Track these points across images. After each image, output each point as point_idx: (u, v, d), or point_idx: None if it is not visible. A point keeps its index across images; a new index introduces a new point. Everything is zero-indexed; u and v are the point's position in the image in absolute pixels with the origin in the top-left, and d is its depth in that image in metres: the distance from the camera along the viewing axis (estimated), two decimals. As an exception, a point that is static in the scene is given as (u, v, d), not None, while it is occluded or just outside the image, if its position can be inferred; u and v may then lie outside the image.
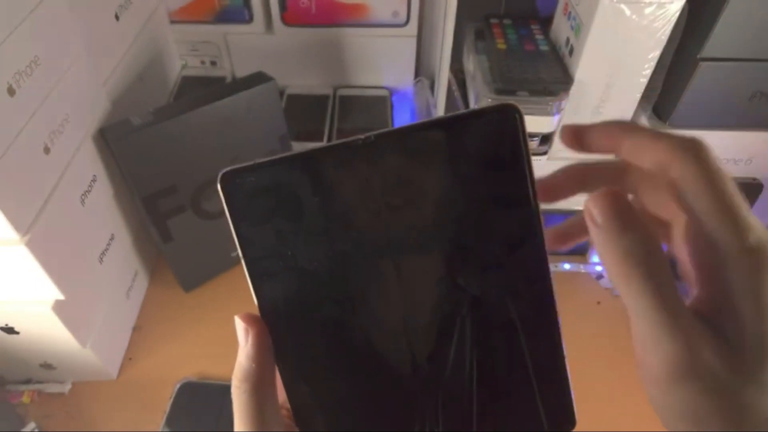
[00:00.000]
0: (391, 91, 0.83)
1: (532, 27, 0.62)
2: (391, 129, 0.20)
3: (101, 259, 0.54)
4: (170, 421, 0.54)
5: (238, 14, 0.75)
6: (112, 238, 0.56)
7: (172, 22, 0.76)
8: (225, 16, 0.76)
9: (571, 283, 0.67)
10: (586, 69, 0.52)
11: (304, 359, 0.22)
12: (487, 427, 0.23)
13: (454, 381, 0.22)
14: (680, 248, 0.21)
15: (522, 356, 0.22)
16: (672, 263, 0.20)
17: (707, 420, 0.17)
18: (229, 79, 0.81)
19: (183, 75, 0.80)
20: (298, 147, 0.55)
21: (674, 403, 0.17)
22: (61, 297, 0.47)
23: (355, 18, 0.75)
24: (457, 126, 0.20)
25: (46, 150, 0.45)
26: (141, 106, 0.62)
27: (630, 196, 0.22)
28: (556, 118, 0.54)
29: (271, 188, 0.21)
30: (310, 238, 0.21)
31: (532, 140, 0.56)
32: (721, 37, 0.49)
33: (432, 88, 0.80)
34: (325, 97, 0.81)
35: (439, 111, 0.71)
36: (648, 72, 0.52)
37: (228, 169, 0.21)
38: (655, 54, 0.51)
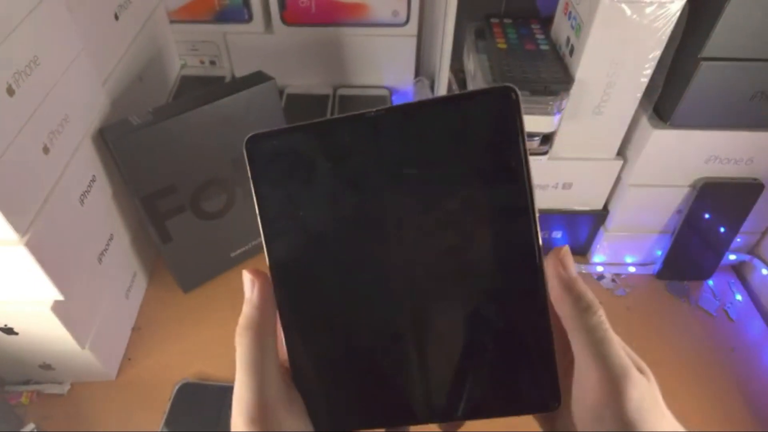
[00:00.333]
0: (391, 91, 0.83)
1: (533, 26, 0.61)
2: (399, 104, 0.22)
3: (100, 259, 0.54)
4: (169, 421, 0.53)
5: (238, 14, 0.75)
6: (111, 239, 0.56)
7: (172, 21, 0.75)
8: (224, 16, 0.75)
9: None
10: (586, 68, 0.52)
11: (305, 311, 0.24)
12: (472, 398, 0.24)
13: (444, 346, 0.24)
14: None
15: (508, 329, 0.23)
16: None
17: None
18: (228, 79, 0.81)
19: (182, 74, 0.80)
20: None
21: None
22: (60, 297, 0.47)
23: (355, 17, 0.75)
24: (458, 104, 0.22)
25: (45, 150, 0.45)
26: (140, 105, 0.62)
27: None
28: (557, 117, 0.54)
29: (289, 152, 0.23)
30: (319, 200, 0.23)
31: (533, 140, 0.56)
32: (722, 37, 0.49)
33: (432, 87, 0.80)
34: (324, 97, 0.81)
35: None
36: (649, 72, 0.52)
37: (253, 133, 0.23)
38: (656, 54, 0.50)
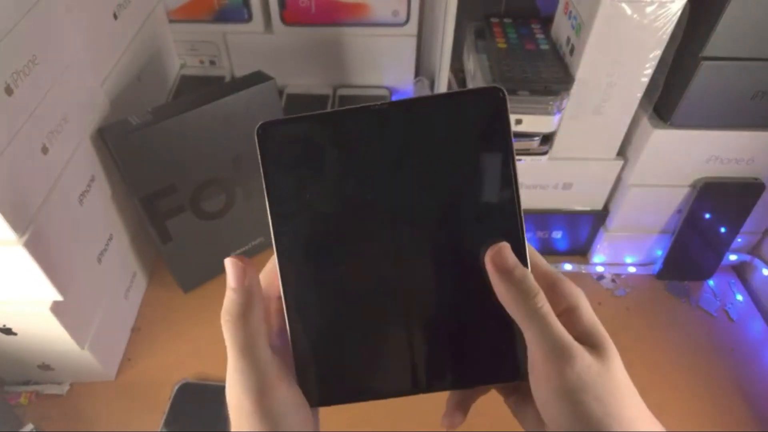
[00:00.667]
0: (391, 91, 0.82)
1: (533, 26, 0.61)
2: (400, 99, 0.25)
3: (100, 259, 0.54)
4: (169, 422, 0.53)
5: (237, 13, 0.75)
6: (110, 239, 0.56)
7: (171, 21, 0.75)
8: (224, 16, 0.75)
9: (571, 283, 0.67)
10: (586, 68, 0.52)
11: (308, 290, 0.26)
12: (451, 370, 0.26)
13: (430, 322, 0.26)
14: None
15: (486, 309, 0.25)
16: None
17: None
18: (228, 79, 0.80)
19: (182, 74, 0.80)
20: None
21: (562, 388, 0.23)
22: (59, 298, 0.46)
23: (355, 17, 0.75)
24: (453, 100, 0.26)
25: (44, 150, 0.45)
26: (139, 105, 0.62)
27: None
28: (557, 117, 0.54)
29: (298, 140, 0.25)
30: (324, 184, 0.25)
31: (533, 140, 0.56)
32: (723, 37, 0.49)
33: (432, 87, 0.80)
34: (324, 97, 0.81)
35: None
36: (649, 71, 0.52)
37: (264, 121, 0.25)
38: (657, 53, 0.50)
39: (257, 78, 0.58)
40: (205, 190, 0.59)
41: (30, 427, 0.52)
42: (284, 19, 0.75)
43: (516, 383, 0.26)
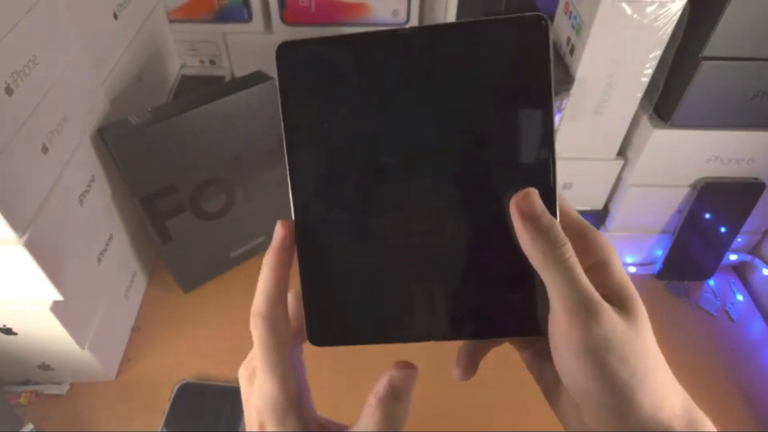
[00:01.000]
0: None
1: (533, 26, 0.61)
2: (431, 24, 0.23)
3: (100, 259, 0.54)
4: (169, 422, 0.53)
5: (237, 13, 0.75)
6: (110, 239, 0.56)
7: (171, 21, 0.75)
8: (224, 15, 0.75)
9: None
10: (587, 68, 0.52)
11: (321, 223, 0.25)
12: (474, 319, 0.25)
13: (450, 267, 0.25)
14: None
15: (510, 255, 0.24)
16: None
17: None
18: (228, 79, 0.80)
19: (182, 74, 0.80)
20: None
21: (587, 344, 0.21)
22: (59, 298, 0.46)
23: (355, 17, 0.75)
24: (490, 27, 0.23)
25: (44, 150, 0.45)
26: (139, 105, 0.62)
27: None
28: (557, 117, 0.54)
29: (320, 62, 0.24)
30: (346, 112, 0.24)
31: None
32: (723, 36, 0.49)
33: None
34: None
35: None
36: (649, 71, 0.52)
37: (284, 41, 0.24)
38: (657, 53, 0.50)
39: (257, 78, 0.58)
40: (205, 190, 0.59)
41: (30, 427, 0.52)
42: (284, 19, 0.75)
43: (533, 337, 0.25)
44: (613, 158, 0.61)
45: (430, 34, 0.23)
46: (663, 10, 0.47)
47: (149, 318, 0.63)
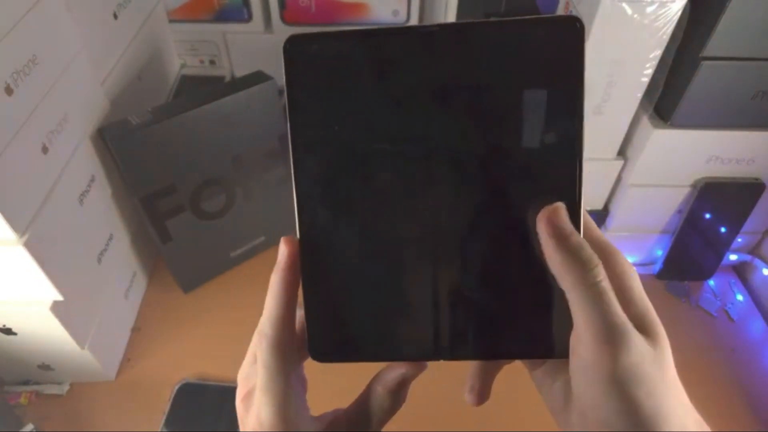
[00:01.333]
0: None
1: (533, 26, 0.61)
2: (458, 21, 0.22)
3: (100, 259, 0.54)
4: (169, 422, 0.53)
5: (237, 13, 0.75)
6: (110, 239, 0.56)
7: (171, 21, 0.75)
8: (224, 15, 0.75)
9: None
10: (587, 68, 0.52)
11: (326, 227, 0.23)
12: (486, 340, 0.24)
13: (465, 283, 0.23)
14: None
15: (526, 271, 0.23)
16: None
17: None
18: (228, 79, 0.80)
19: (182, 74, 0.80)
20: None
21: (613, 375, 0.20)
22: (59, 298, 0.46)
23: (355, 17, 0.75)
24: (520, 28, 0.21)
25: (44, 150, 0.45)
26: (140, 105, 0.62)
27: None
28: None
29: (332, 59, 0.22)
30: (358, 114, 0.22)
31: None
32: (723, 36, 0.48)
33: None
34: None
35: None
36: (649, 71, 0.52)
37: (293, 34, 0.22)
38: (657, 53, 0.50)
39: (257, 78, 0.58)
40: (205, 190, 0.59)
41: (30, 427, 0.52)
42: (284, 19, 0.75)
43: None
44: (613, 158, 0.61)
45: (456, 32, 0.21)
46: (663, 10, 0.47)
47: (149, 318, 0.63)
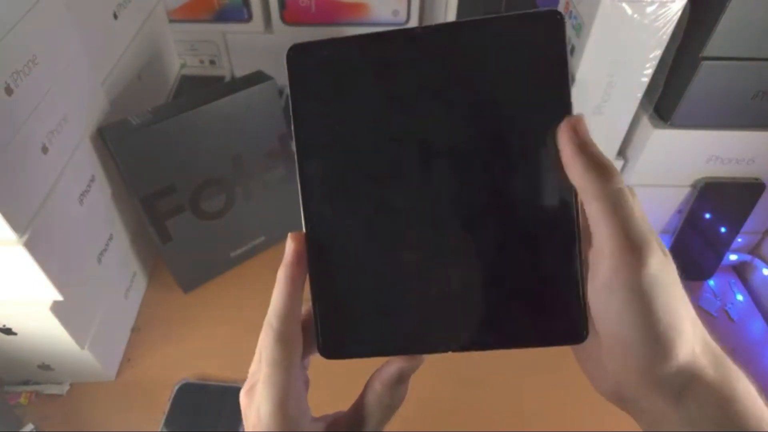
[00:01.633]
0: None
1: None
2: (445, 22, 0.23)
3: (100, 259, 0.54)
4: (169, 422, 0.53)
5: (237, 13, 0.75)
6: (110, 239, 0.56)
7: (171, 20, 0.75)
8: (224, 15, 0.75)
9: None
10: (587, 68, 0.52)
11: (334, 227, 0.24)
12: (500, 329, 0.24)
13: (474, 272, 0.23)
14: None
15: (538, 259, 0.23)
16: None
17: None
18: (228, 78, 0.80)
19: (182, 74, 0.80)
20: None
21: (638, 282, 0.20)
22: (59, 298, 0.46)
23: (355, 17, 0.75)
24: (506, 24, 0.23)
25: (44, 150, 0.45)
26: (140, 105, 0.62)
27: None
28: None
29: (332, 64, 0.23)
30: (359, 114, 0.23)
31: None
32: (723, 36, 0.49)
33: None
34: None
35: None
36: (649, 71, 0.52)
37: (295, 43, 0.23)
38: (657, 53, 0.50)
39: (257, 78, 0.57)
40: (205, 190, 0.59)
41: (30, 427, 0.52)
42: (284, 19, 0.75)
43: None
44: (613, 158, 0.61)
45: (444, 33, 0.23)
46: (663, 10, 0.47)
47: (149, 318, 0.63)
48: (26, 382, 0.56)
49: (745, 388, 0.22)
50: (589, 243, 0.22)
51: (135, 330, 0.62)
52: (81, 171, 0.51)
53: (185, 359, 0.58)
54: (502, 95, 0.23)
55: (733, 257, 0.69)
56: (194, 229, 0.60)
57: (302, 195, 0.23)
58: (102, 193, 0.55)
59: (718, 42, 0.49)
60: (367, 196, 0.23)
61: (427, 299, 0.24)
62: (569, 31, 0.55)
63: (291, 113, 0.23)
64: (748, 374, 0.23)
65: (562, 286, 0.23)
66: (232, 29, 0.76)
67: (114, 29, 0.59)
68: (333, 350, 0.24)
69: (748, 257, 0.68)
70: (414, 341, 0.24)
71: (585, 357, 0.24)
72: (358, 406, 0.25)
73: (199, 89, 0.66)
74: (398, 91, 0.23)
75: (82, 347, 0.51)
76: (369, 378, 0.25)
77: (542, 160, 0.23)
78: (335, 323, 0.24)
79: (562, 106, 0.22)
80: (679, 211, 0.63)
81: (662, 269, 0.20)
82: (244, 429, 0.25)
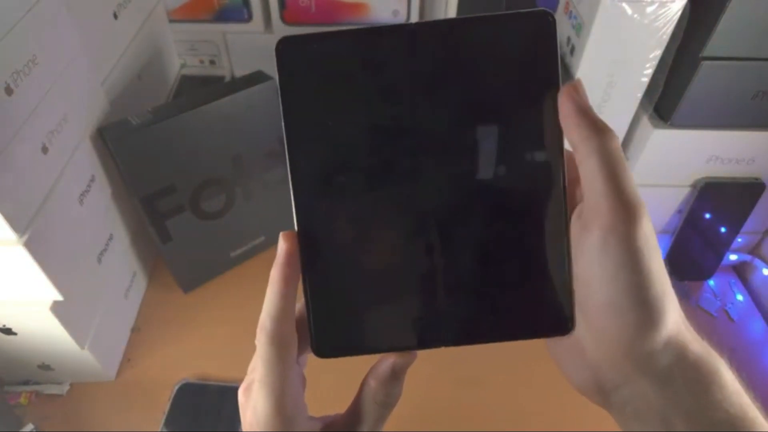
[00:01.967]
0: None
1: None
2: (437, 20, 0.23)
3: (100, 259, 0.54)
4: (169, 422, 0.53)
5: (238, 13, 0.75)
6: (110, 239, 0.56)
7: (171, 20, 0.75)
8: (224, 15, 0.75)
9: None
10: (587, 68, 0.52)
11: (325, 224, 0.24)
12: (490, 322, 0.24)
13: (462, 267, 0.24)
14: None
15: (526, 251, 0.24)
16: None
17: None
18: (228, 78, 0.80)
19: (182, 74, 0.80)
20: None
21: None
22: (59, 298, 0.46)
23: (355, 17, 0.75)
24: (497, 22, 0.23)
25: (44, 150, 0.45)
26: (140, 105, 0.62)
27: None
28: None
29: (322, 58, 0.23)
30: (349, 110, 0.23)
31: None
32: (723, 36, 0.48)
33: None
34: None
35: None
36: (649, 71, 0.52)
37: (285, 36, 0.23)
38: (657, 53, 0.50)
39: (257, 78, 0.58)
40: (205, 190, 0.59)
41: (30, 427, 0.52)
42: (284, 19, 0.75)
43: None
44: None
45: (436, 29, 0.23)
46: (663, 10, 0.47)
47: (149, 318, 0.63)
48: (26, 382, 0.56)
49: (724, 365, 0.22)
50: (574, 205, 0.22)
51: (135, 330, 0.62)
52: (81, 171, 0.51)
53: (185, 359, 0.58)
54: (493, 92, 0.23)
55: (733, 257, 0.69)
56: (194, 229, 0.60)
57: (293, 191, 0.23)
58: (102, 193, 0.55)
59: (718, 42, 0.49)
60: (357, 192, 0.23)
61: (418, 295, 0.24)
62: (569, 31, 0.55)
63: (280, 106, 0.23)
64: (735, 369, 0.23)
65: (550, 279, 0.23)
66: (232, 29, 0.77)
67: (114, 29, 0.59)
68: (326, 349, 0.24)
69: (748, 257, 0.68)
70: (405, 337, 0.24)
71: (560, 347, 0.24)
72: (355, 406, 0.25)
73: (199, 89, 0.66)
74: (389, 87, 0.23)
75: (82, 347, 0.51)
76: (364, 377, 0.25)
77: (530, 156, 0.23)
78: (328, 322, 0.24)
79: (553, 104, 0.22)
80: (679, 211, 0.63)
81: (652, 233, 0.21)
82: (241, 424, 0.25)
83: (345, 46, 0.23)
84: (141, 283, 0.65)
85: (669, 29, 0.49)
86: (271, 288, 0.23)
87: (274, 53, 0.23)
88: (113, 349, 0.58)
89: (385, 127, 0.23)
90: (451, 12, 0.61)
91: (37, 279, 0.44)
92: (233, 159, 0.59)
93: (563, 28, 0.57)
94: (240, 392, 0.25)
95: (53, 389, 0.56)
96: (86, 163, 0.52)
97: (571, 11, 0.54)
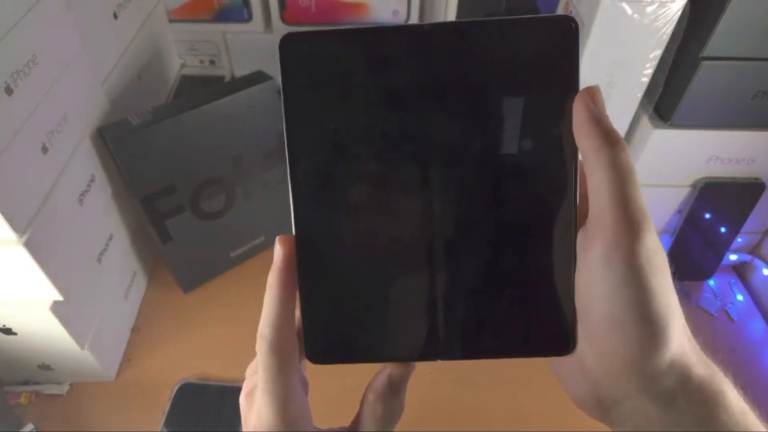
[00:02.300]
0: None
1: (533, 26, 0.61)
2: (454, 21, 0.22)
3: (100, 259, 0.54)
4: (169, 422, 0.53)
5: (238, 13, 0.75)
6: (110, 239, 0.56)
7: (171, 20, 0.75)
8: (224, 15, 0.75)
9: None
10: (587, 68, 0.52)
11: (324, 229, 0.23)
12: (487, 338, 0.24)
13: (465, 281, 0.23)
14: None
15: (531, 267, 0.23)
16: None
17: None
18: (228, 78, 0.80)
19: (182, 74, 0.80)
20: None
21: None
22: (59, 298, 0.46)
23: (355, 17, 0.75)
24: (516, 27, 0.22)
25: (44, 150, 0.45)
26: (140, 105, 0.62)
27: None
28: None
29: (327, 58, 0.22)
30: (353, 112, 0.22)
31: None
32: (724, 36, 0.48)
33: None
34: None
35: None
36: (649, 71, 0.52)
37: (289, 32, 0.22)
38: (657, 53, 0.50)
39: (257, 78, 0.58)
40: (205, 190, 0.59)
41: (30, 427, 0.52)
42: (284, 19, 0.75)
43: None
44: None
45: (451, 31, 0.21)
46: (663, 10, 0.47)
47: (149, 318, 0.63)
48: (26, 382, 0.56)
49: (728, 385, 0.21)
50: (584, 219, 0.22)
51: (135, 330, 0.62)
52: (81, 171, 0.51)
53: (185, 359, 0.58)
54: (506, 98, 0.22)
55: (733, 257, 0.69)
56: (194, 229, 0.60)
57: (292, 194, 0.23)
58: (102, 193, 0.55)
59: (718, 42, 0.49)
60: (357, 197, 0.23)
61: (416, 305, 0.23)
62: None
63: (282, 106, 0.22)
64: (730, 373, 0.22)
65: (555, 298, 0.23)
66: (232, 29, 0.77)
67: (114, 29, 0.59)
68: (320, 355, 0.24)
69: (748, 257, 0.68)
70: (402, 348, 0.24)
71: (561, 360, 0.24)
72: (356, 420, 0.25)
73: (199, 89, 0.66)
74: (397, 89, 0.22)
75: (82, 347, 0.51)
76: (365, 390, 0.25)
77: (542, 169, 0.22)
78: (322, 328, 0.24)
79: (569, 109, 0.22)
80: (679, 211, 0.63)
81: (658, 248, 0.20)
82: (243, 431, 0.25)
83: (354, 45, 0.22)
84: (141, 283, 0.65)
85: (669, 29, 0.49)
86: (269, 294, 0.23)
87: (276, 51, 0.22)
88: (113, 349, 0.58)
89: (390, 132, 0.22)
90: (451, 11, 0.61)
91: (37, 279, 0.44)
92: (233, 159, 0.59)
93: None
94: (242, 398, 0.25)
95: (53, 389, 0.56)
96: (86, 163, 0.52)
97: (570, 11, 0.54)
